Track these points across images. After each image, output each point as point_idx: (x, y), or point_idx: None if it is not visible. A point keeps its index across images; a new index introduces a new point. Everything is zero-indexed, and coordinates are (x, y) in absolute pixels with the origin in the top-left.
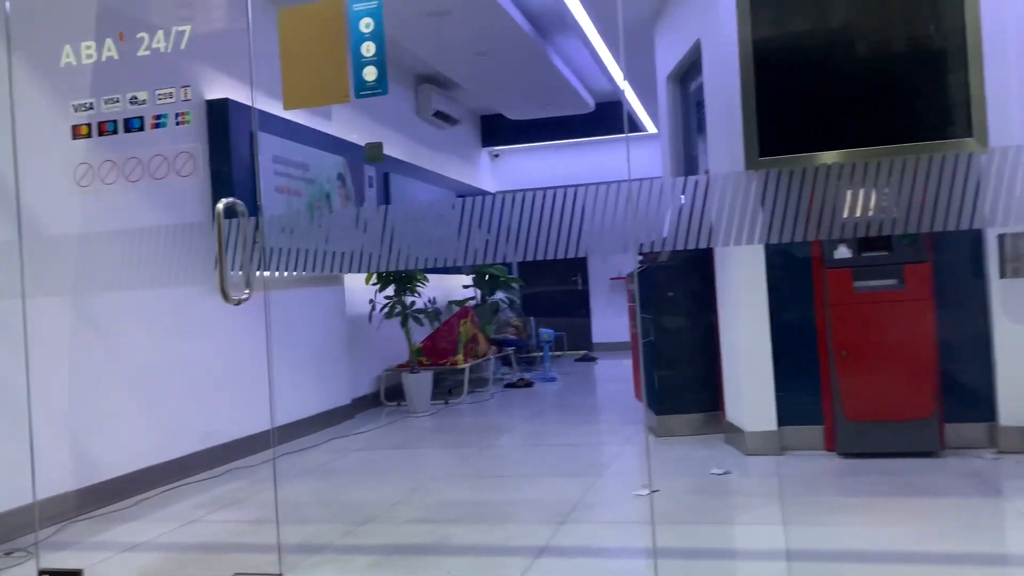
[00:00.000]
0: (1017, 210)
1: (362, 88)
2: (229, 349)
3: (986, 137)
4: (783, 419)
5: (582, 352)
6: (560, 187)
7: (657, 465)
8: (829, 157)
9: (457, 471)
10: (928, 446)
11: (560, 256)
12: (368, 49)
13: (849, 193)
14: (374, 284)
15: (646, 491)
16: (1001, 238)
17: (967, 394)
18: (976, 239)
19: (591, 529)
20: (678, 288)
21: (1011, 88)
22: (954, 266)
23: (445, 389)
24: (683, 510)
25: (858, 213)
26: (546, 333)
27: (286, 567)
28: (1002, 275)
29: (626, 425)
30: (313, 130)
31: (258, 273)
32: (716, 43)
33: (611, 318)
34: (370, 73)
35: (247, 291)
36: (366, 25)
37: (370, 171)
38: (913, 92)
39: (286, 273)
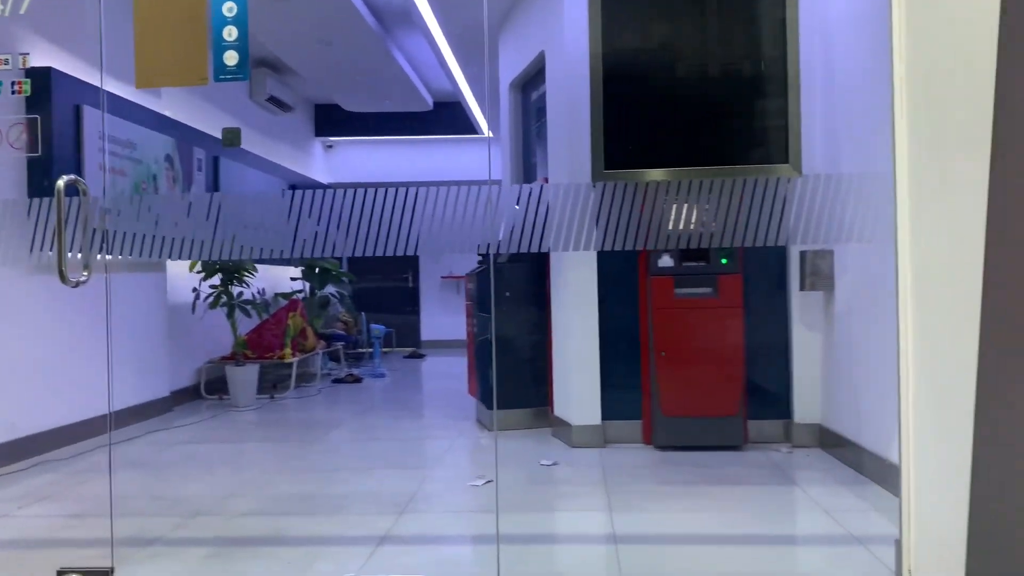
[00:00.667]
0: (818, 231)
1: (222, 72)
2: (38, 336)
3: (800, 164)
4: (606, 414)
5: (411, 349)
6: (395, 183)
7: (489, 457)
8: (662, 174)
9: (288, 465)
10: (734, 440)
11: (404, 253)
12: (230, 33)
13: (675, 208)
14: (199, 272)
15: (481, 482)
16: (803, 255)
17: (768, 394)
18: (781, 255)
19: (430, 518)
20: (514, 288)
21: (816, 119)
22: (762, 278)
23: (270, 383)
24: (516, 499)
25: (682, 226)
26: (377, 329)
27: (117, 560)
28: (802, 288)
29: (458, 420)
30: (141, 107)
31: (99, 256)
32: (559, 56)
33: (440, 316)
34: (231, 58)
35: (85, 273)
36: (229, 9)
37: (199, 154)
38: (740, 118)
39: (109, 257)
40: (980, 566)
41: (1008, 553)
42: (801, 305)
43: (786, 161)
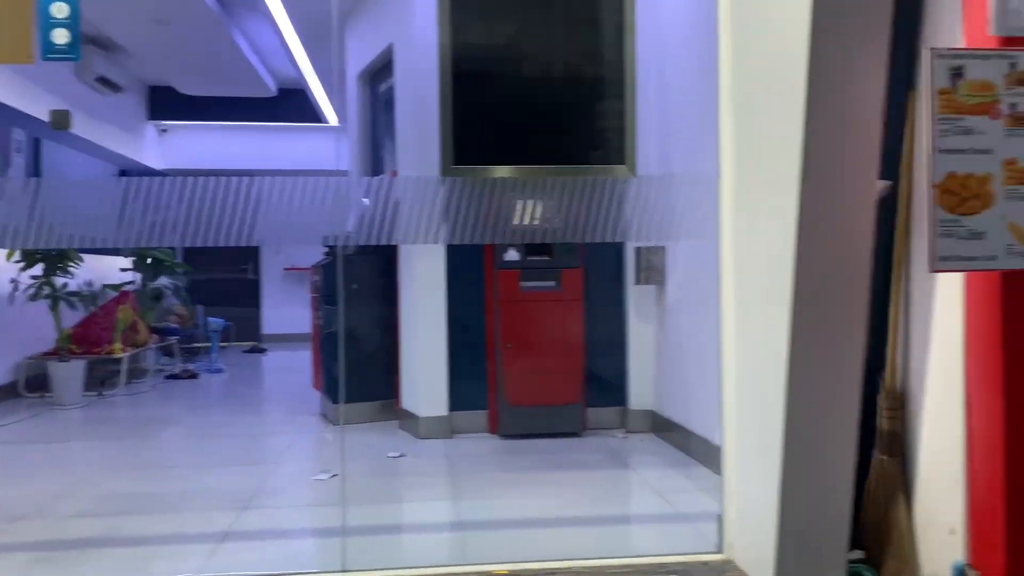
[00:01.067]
0: (651, 229)
1: (50, 51)
2: None
3: (635, 165)
4: (454, 405)
5: (251, 343)
6: (235, 171)
7: (335, 451)
8: (508, 171)
9: (120, 464)
10: (574, 427)
11: (245, 243)
12: (60, 10)
13: (525, 204)
14: (17, 261)
15: (326, 476)
16: (638, 250)
17: (606, 383)
18: (619, 250)
19: (274, 513)
20: (361, 281)
21: (651, 122)
22: (601, 272)
23: (98, 380)
24: (362, 491)
25: (532, 223)
26: (214, 322)
27: None
28: (637, 282)
29: (302, 415)
30: None
31: None
32: (408, 50)
33: (283, 309)
34: (60, 36)
35: None
36: None
37: (18, 135)
38: (582, 119)
39: None
40: (789, 538)
41: (812, 525)
42: (636, 298)
43: (622, 163)
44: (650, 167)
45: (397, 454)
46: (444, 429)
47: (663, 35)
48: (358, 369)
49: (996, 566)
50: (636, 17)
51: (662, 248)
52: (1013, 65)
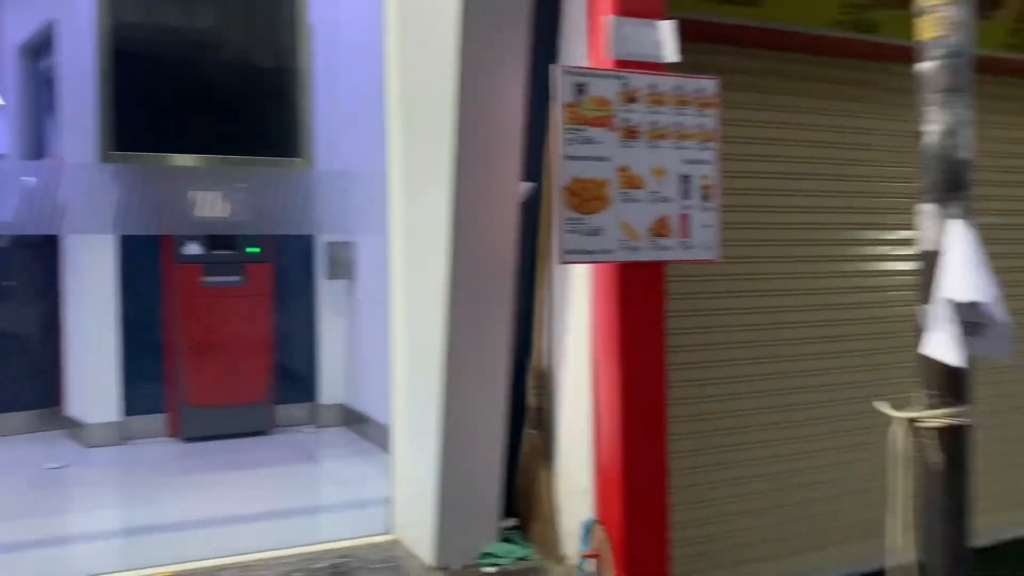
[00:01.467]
0: (337, 222)
1: None
2: None
3: (311, 158)
4: (128, 409)
5: None
6: None
7: None
8: (182, 159)
9: None
10: (262, 425)
11: None
12: None
13: (200, 195)
14: None
15: None
16: (328, 245)
17: (296, 378)
18: (310, 244)
19: None
20: (18, 276)
21: (330, 115)
22: (293, 266)
23: None
24: (13, 506)
25: (207, 213)
26: None
27: None
28: (328, 277)
29: None
30: None
31: None
32: (71, 27)
33: None
34: None
35: None
36: None
37: None
38: (259, 109)
39: None
40: (447, 512)
41: (467, 499)
42: (329, 293)
43: (299, 155)
44: (330, 161)
45: (58, 465)
46: (116, 435)
47: (339, 30)
48: (10, 375)
49: (616, 520)
50: (309, 9)
51: (352, 243)
52: (625, 84)
